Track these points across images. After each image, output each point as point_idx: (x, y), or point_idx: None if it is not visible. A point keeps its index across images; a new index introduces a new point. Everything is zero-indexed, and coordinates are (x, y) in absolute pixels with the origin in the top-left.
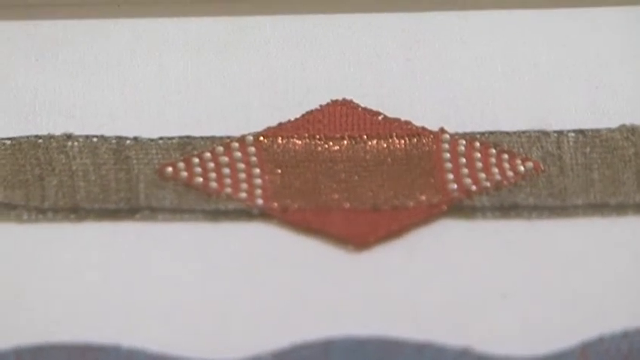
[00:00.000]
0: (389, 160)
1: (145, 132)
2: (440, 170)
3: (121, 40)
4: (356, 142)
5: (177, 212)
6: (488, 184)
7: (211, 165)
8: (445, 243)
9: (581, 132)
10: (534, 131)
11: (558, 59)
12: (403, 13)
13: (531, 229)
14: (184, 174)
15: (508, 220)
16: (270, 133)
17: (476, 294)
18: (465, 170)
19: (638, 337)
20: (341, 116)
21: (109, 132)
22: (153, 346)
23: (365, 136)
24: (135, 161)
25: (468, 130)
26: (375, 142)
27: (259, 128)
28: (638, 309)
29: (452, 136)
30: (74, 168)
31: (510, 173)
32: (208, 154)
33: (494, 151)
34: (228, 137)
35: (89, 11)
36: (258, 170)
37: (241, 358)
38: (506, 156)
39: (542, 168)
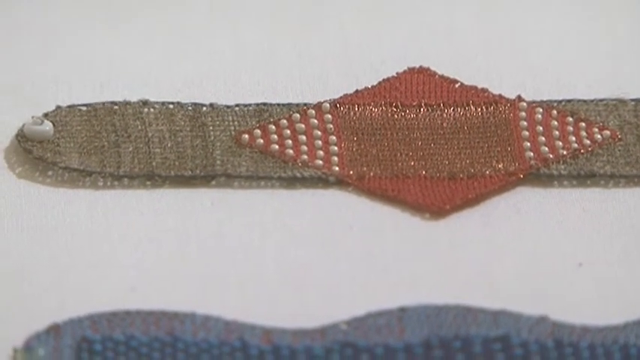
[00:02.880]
0: (465, 128)
1: (221, 99)
2: (517, 138)
3: (197, 7)
4: (433, 110)
5: (253, 179)
6: (565, 152)
7: (288, 132)
8: (522, 211)
9: None
10: (611, 100)
11: (636, 27)
12: None
13: (608, 197)
14: (261, 141)
15: (585, 188)
16: (347, 100)
17: (552, 262)
18: (542, 138)
19: None
20: (418, 84)
21: (185, 99)
22: (228, 313)
23: (442, 104)
24: (211, 128)
25: (545, 98)
26: (451, 110)
27: (336, 95)
28: None
29: (529, 104)
30: (150, 134)
31: (587, 141)
32: (285, 121)
33: (571, 119)
34: (305, 104)
35: None
36: (334, 137)
37: (316, 326)
38: (583, 124)
39: (620, 136)
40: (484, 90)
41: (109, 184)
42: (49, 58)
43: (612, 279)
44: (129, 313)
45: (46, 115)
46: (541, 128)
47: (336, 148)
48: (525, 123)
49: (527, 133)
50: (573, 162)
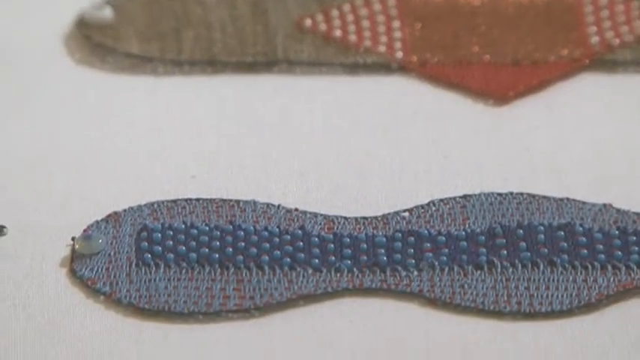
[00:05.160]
0: (530, 13)
1: None
2: (581, 24)
3: None
4: None
5: (315, 65)
6: (631, 37)
7: (350, 17)
8: (586, 98)
9: None
10: None
11: None
12: None
13: None
14: (323, 26)
15: None
16: None
17: (616, 149)
18: (608, 23)
19: None
20: None
21: None
22: (289, 202)
23: None
24: (273, 13)
25: None
26: None
27: None
28: None
29: None
30: (211, 20)
31: None
32: (348, 6)
33: (637, 3)
34: None
35: None
36: (397, 23)
37: (379, 215)
38: None
39: None
40: None
41: (169, 70)
42: None
43: None
44: (189, 201)
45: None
46: (607, 13)
47: (399, 33)
48: (591, 7)
49: (592, 18)
50: (639, 48)
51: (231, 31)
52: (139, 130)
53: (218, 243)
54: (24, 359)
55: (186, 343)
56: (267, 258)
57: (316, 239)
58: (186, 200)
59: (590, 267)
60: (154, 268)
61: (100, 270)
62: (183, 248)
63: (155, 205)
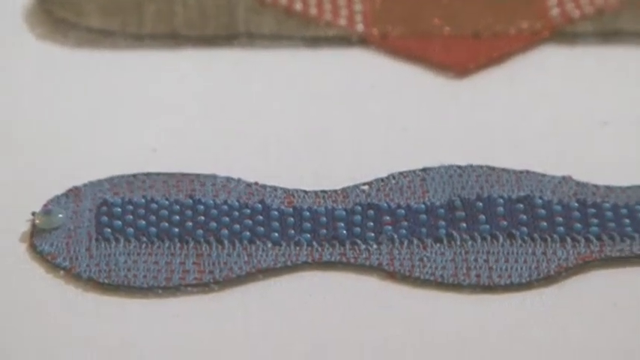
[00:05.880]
0: None
1: None
2: None
3: None
4: None
5: (276, 39)
6: (591, 9)
7: None
8: (546, 70)
9: None
10: None
11: None
12: None
13: (633, 55)
14: (284, 0)
15: (610, 46)
16: None
17: (576, 122)
18: None
19: None
20: None
21: None
22: (249, 176)
23: None
24: None
25: None
26: None
27: None
28: None
29: None
30: None
31: None
32: None
33: None
34: None
35: None
36: None
37: (338, 189)
38: None
39: None
40: None
41: (130, 44)
42: None
43: (636, 138)
44: (149, 176)
45: None
46: None
47: (360, 6)
48: None
49: None
50: (599, 19)
51: (193, 4)
52: (100, 104)
53: (178, 217)
54: None
55: (145, 318)
56: (226, 232)
57: (276, 213)
58: (146, 175)
59: (549, 239)
60: (113, 242)
61: (60, 245)
62: (143, 222)
63: (115, 180)
